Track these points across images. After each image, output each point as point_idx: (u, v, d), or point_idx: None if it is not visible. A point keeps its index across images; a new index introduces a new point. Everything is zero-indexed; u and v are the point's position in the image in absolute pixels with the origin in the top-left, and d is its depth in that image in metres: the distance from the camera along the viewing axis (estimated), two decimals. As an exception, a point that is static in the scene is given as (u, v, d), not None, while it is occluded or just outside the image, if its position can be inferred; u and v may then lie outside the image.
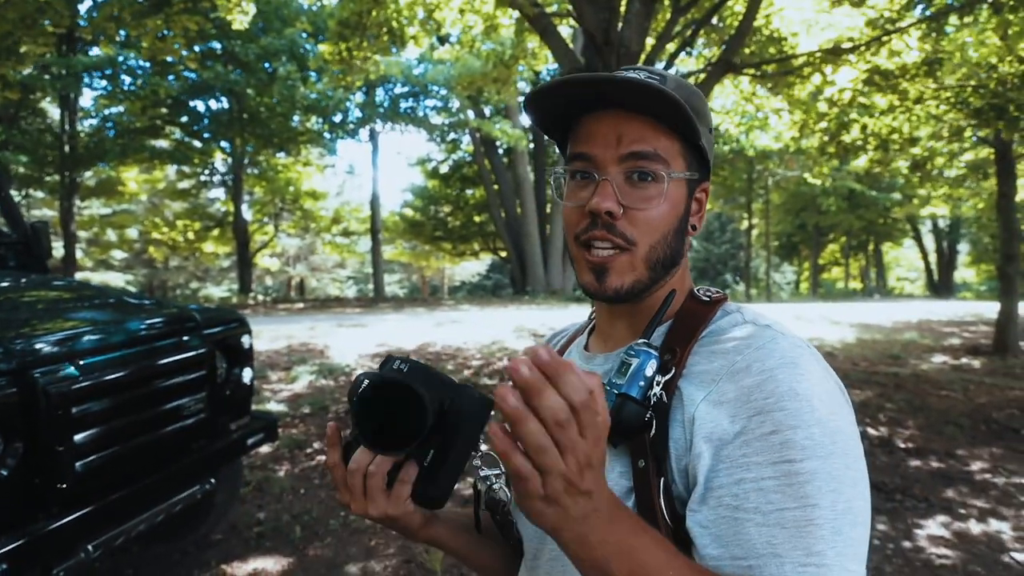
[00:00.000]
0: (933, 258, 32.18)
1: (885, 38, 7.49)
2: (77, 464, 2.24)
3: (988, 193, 13.43)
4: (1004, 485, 4.18)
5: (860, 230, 29.79)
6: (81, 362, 2.31)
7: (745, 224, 30.69)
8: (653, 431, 0.69)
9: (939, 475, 4.35)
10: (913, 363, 8.31)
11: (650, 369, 0.70)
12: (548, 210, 23.01)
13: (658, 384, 0.71)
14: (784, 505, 0.61)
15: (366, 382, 0.69)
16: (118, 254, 30.02)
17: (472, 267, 39.73)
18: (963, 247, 32.77)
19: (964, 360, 8.61)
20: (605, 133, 0.74)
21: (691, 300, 0.79)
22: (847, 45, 7.68)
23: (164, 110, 18.76)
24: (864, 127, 9.02)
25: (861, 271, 37.90)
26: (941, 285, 30.56)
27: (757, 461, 0.63)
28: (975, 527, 3.59)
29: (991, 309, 11.14)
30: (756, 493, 0.62)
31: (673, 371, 0.71)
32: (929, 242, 32.27)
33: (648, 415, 0.69)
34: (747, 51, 8.24)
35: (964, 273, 35.65)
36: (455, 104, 21.71)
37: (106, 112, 19.12)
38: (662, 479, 0.68)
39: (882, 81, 7.81)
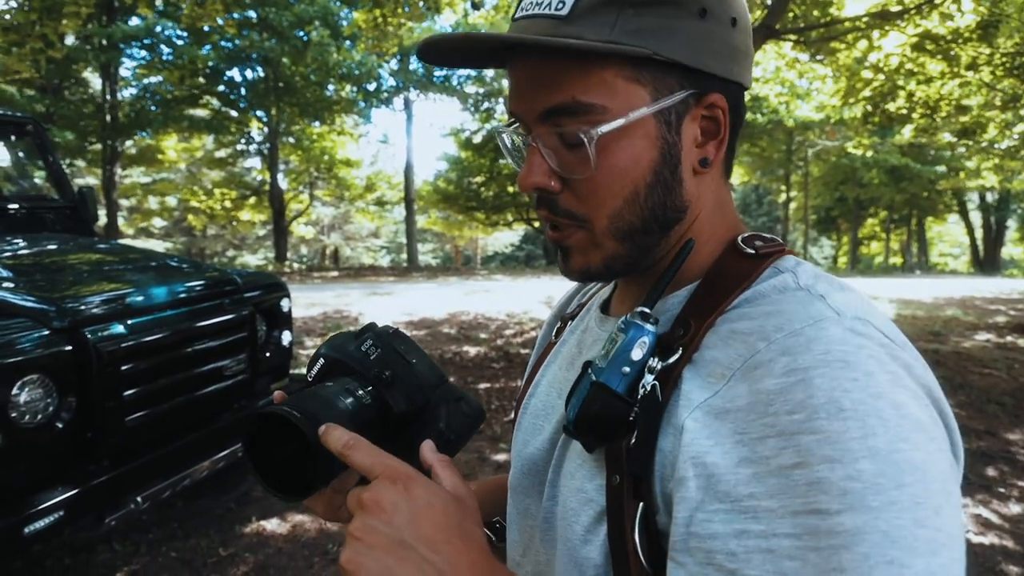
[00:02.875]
0: (979, 234, 31.13)
1: (937, 0, 7.17)
2: (127, 419, 2.33)
3: (1042, 166, 12.91)
4: (1047, 464, 4.09)
5: (902, 204, 28.93)
6: (129, 321, 2.39)
7: (783, 197, 30.04)
8: (634, 438, 0.51)
9: (979, 454, 4.27)
10: (955, 340, 8.11)
11: (638, 350, 0.53)
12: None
13: (651, 371, 0.52)
14: None
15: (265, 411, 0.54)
16: (158, 222, 30.66)
17: (505, 237, 39.67)
18: (1012, 223, 31.63)
19: (1009, 338, 8.37)
20: (522, 82, 0.56)
21: (730, 254, 0.58)
22: (896, 8, 7.38)
23: (201, 80, 18.96)
24: (911, 95, 8.70)
25: (902, 246, 36.88)
26: (987, 262, 29.59)
27: (769, 507, 0.43)
28: (1015, 508, 3.52)
29: (1039, 286, 10.79)
30: (762, 556, 0.42)
31: (680, 353, 0.52)
32: (976, 217, 31.20)
33: (633, 414, 0.52)
34: (790, 15, 7.97)
35: (1012, 250, 34.47)
36: (489, 73, 21.51)
37: (145, 82, 19.41)
38: (641, 504, 0.50)
39: (933, 46, 7.49)
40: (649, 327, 0.54)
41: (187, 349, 2.60)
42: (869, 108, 9.34)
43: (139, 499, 2.40)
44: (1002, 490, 3.72)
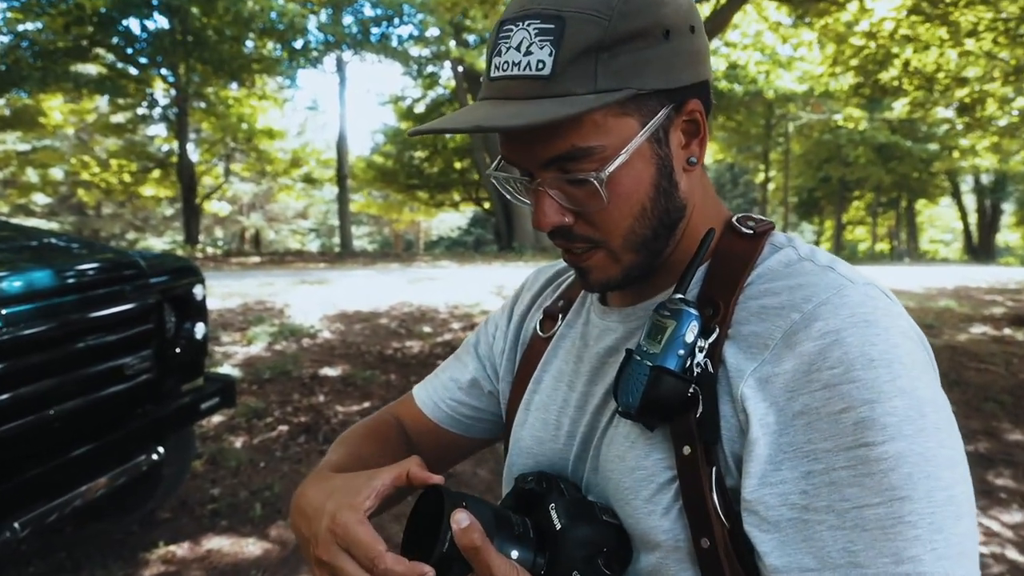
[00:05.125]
0: (973, 218, 32.46)
1: (936, -42, 7.38)
2: None
3: (1041, 144, 13.47)
4: (1050, 468, 4.26)
5: (891, 185, 29.92)
6: (3, 311, 2.25)
7: (761, 177, 30.75)
8: (700, 410, 0.64)
9: (978, 457, 4.42)
10: (949, 333, 8.41)
11: (691, 333, 0.64)
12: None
13: (701, 350, 0.65)
14: (864, 501, 0.56)
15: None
16: (40, 198, 29.49)
17: (451, 220, 39.59)
18: (1008, 207, 33.07)
19: (1007, 331, 8.72)
20: (516, 135, 0.66)
21: (730, 235, 0.72)
22: (891, -34, 7.57)
23: (91, 28, 18.20)
24: (906, 63, 8.94)
25: (890, 231, 38.20)
26: (981, 249, 30.92)
27: (826, 448, 0.58)
28: (1018, 515, 3.65)
29: (1037, 275, 11.28)
30: (828, 488, 0.57)
31: (717, 331, 0.65)
32: (969, 200, 32.51)
33: (691, 390, 0.64)
34: (776, -29, 8.10)
35: (1008, 236, 36.06)
36: (434, 32, 21.31)
37: (20, 28, 18.50)
38: (714, 468, 0.63)
39: (930, 9, 7.71)
40: (694, 311, 0.66)
41: (78, 344, 2.47)
42: (860, 78, 9.57)
43: (16, 525, 2.27)
44: (1004, 496, 3.86)
